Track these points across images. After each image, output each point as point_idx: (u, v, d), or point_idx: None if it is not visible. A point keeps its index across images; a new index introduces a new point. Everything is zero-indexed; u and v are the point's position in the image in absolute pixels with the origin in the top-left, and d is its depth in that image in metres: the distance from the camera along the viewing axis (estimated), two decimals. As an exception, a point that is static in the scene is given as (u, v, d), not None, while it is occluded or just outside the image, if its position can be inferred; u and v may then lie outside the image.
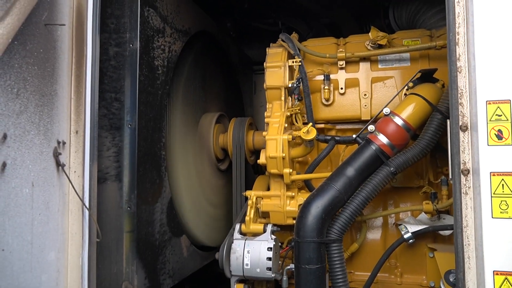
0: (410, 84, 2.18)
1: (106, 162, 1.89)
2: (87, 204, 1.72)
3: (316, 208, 1.92)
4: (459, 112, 1.39)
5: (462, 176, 1.38)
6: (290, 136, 2.15)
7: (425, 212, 2.14)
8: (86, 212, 1.71)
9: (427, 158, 2.25)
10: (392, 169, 1.95)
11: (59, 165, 1.65)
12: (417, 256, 2.26)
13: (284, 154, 2.12)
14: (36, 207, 1.54)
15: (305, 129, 2.04)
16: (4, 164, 1.36)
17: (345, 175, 1.99)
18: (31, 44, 1.55)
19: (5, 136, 1.37)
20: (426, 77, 2.14)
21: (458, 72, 1.39)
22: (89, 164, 1.74)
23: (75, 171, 1.71)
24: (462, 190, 1.38)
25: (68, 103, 1.72)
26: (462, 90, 1.39)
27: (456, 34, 1.40)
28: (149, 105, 2.00)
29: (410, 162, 1.96)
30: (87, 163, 1.74)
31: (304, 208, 1.95)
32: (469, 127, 1.38)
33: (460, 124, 1.39)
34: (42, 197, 1.57)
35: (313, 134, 2.05)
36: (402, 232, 2.14)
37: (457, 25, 1.40)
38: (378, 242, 2.34)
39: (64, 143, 1.68)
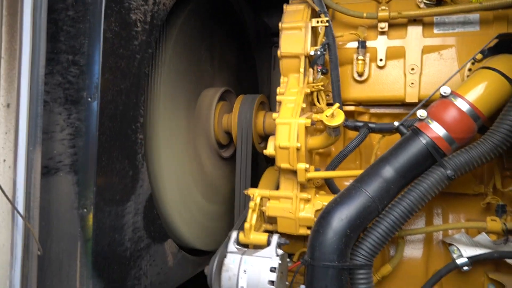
0: (479, 56, 1.58)
1: (59, 148, 1.41)
2: (20, 204, 1.25)
3: (340, 220, 1.40)
4: None
5: None
6: (309, 121, 1.61)
7: (490, 232, 1.58)
8: (19, 218, 1.25)
9: (493, 157, 1.67)
10: (449, 172, 1.40)
11: (-21, 150, 1.19)
12: (471, 286, 1.71)
13: (299, 144, 1.59)
14: None
15: (329, 111, 1.50)
16: None
17: (382, 176, 1.44)
18: None
19: None
20: (505, 46, 1.54)
21: None
22: (27, 150, 1.27)
23: (4, 160, 1.24)
24: None
25: (-4, 64, 1.23)
26: None
27: None
28: (120, 72, 1.49)
29: (475, 164, 1.40)
30: (22, 149, 1.26)
31: (323, 219, 1.43)
32: None
33: None
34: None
35: (340, 119, 1.51)
36: (454, 256, 1.60)
37: None
38: (419, 263, 1.79)
39: (-11, 120, 1.21)
